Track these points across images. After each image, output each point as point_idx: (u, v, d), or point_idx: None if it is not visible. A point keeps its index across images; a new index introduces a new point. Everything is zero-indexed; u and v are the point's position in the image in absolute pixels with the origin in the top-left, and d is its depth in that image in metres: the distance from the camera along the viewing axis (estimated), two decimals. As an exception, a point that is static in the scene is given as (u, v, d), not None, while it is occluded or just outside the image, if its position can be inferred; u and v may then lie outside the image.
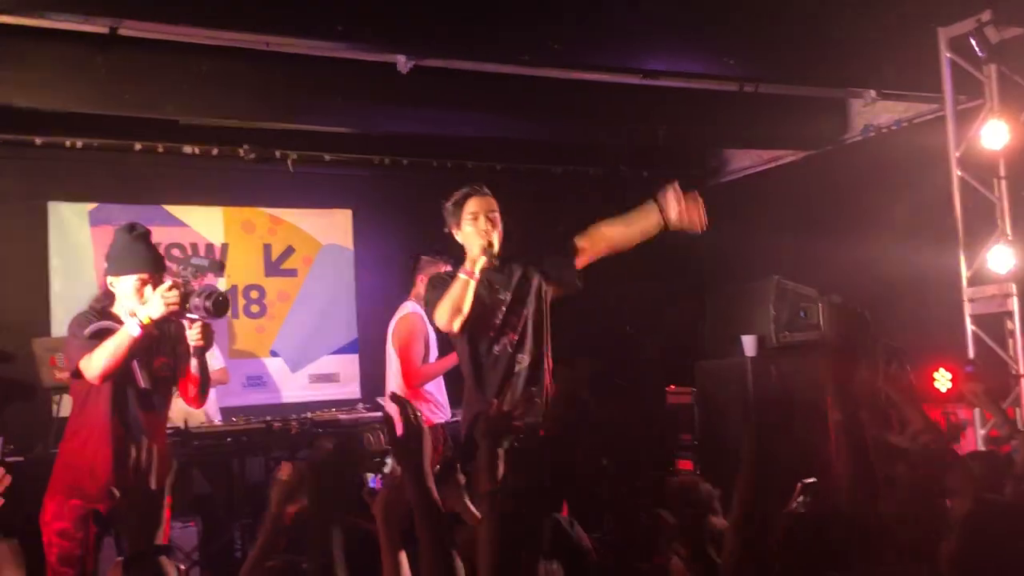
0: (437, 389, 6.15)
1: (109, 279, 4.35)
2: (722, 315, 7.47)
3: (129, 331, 4.06)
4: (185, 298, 4.13)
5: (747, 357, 6.85)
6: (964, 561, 2.07)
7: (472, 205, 4.58)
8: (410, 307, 6.15)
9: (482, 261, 4.41)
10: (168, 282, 4.18)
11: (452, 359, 5.47)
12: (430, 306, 4.56)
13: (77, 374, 4.15)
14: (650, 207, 4.52)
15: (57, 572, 4.19)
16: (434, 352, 6.10)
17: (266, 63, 5.76)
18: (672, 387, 7.46)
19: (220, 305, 4.18)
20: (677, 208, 4.50)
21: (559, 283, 4.60)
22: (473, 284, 4.39)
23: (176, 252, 7.40)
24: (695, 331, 7.70)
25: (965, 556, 2.08)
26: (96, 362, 4.08)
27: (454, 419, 5.84)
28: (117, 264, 4.35)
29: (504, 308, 4.53)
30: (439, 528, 2.33)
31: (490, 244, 4.43)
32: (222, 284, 7.53)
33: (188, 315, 4.18)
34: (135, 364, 4.21)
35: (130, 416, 4.26)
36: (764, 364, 6.82)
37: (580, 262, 4.56)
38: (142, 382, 4.28)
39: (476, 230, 4.51)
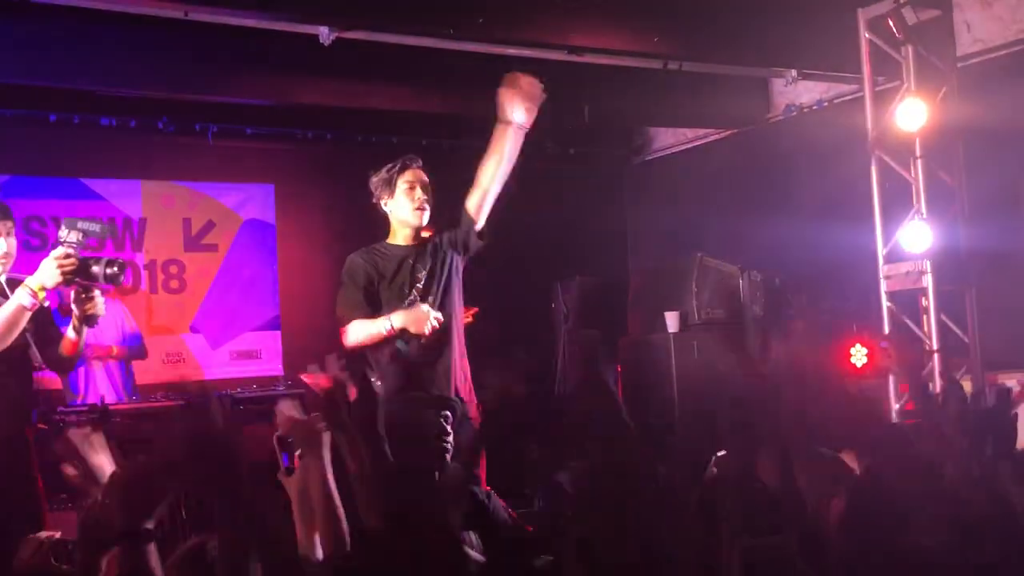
0: None
1: None
2: (647, 292, 7.53)
3: (20, 301, 3.84)
4: (84, 265, 3.93)
5: (670, 333, 6.91)
6: (851, 521, 2.12)
7: (409, 175, 4.62)
8: None
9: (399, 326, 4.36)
10: (62, 249, 3.93)
11: None
12: (340, 300, 4.55)
13: None
14: (498, 127, 4.49)
15: None
16: None
17: (185, 33, 5.64)
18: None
19: (120, 273, 4.02)
20: (512, 108, 4.43)
21: (467, 250, 4.62)
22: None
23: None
24: (620, 307, 7.75)
25: (852, 517, 2.13)
26: None
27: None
28: None
29: (419, 287, 4.54)
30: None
31: (404, 332, 4.37)
32: (141, 259, 7.41)
33: (81, 282, 3.97)
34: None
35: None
36: (686, 340, 6.91)
37: (479, 219, 4.54)
38: (37, 356, 4.11)
39: (411, 200, 4.53)
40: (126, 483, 2.04)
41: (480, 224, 4.55)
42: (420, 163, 4.66)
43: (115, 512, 1.99)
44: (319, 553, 2.35)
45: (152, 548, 2.06)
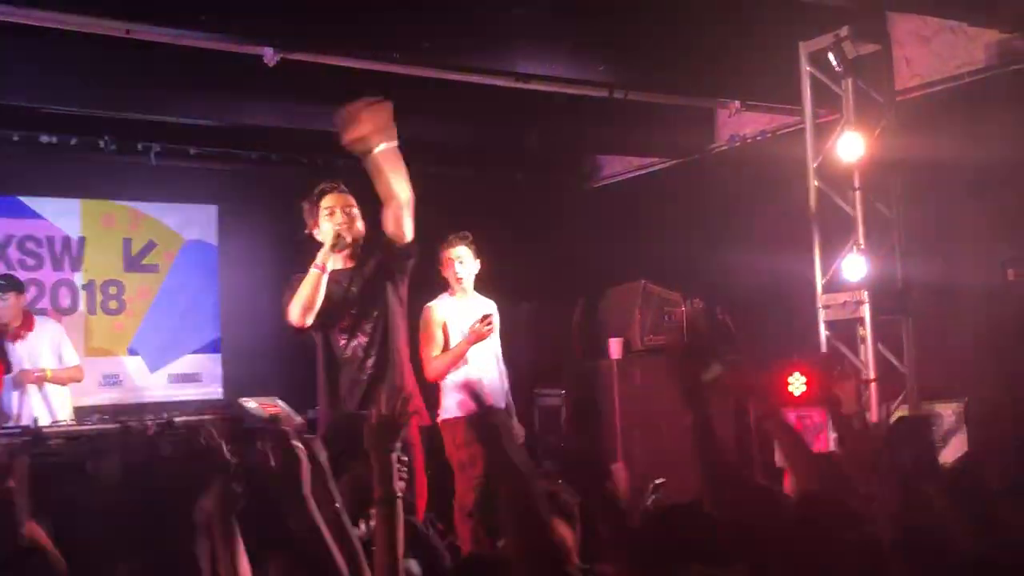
0: None
1: None
2: (592, 318, 7.55)
3: None
4: None
5: (612, 360, 6.94)
6: (792, 550, 2.15)
7: (328, 200, 4.64)
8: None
9: (332, 255, 4.41)
10: None
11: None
12: (284, 304, 4.55)
13: None
14: (366, 163, 4.55)
15: None
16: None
17: (127, 52, 5.59)
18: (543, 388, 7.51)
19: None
20: (367, 142, 4.46)
21: (402, 272, 4.63)
22: (325, 277, 4.39)
23: (31, 245, 7.13)
24: (566, 333, 7.76)
25: (792, 546, 2.16)
26: None
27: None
28: None
29: (356, 307, 4.54)
30: None
31: (338, 236, 4.43)
32: (79, 279, 7.30)
33: None
34: None
35: None
36: (629, 367, 6.94)
37: (403, 235, 4.58)
38: None
39: (332, 224, 4.53)
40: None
41: (408, 237, 4.52)
42: (343, 187, 4.68)
43: None
44: None
45: None
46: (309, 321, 4.48)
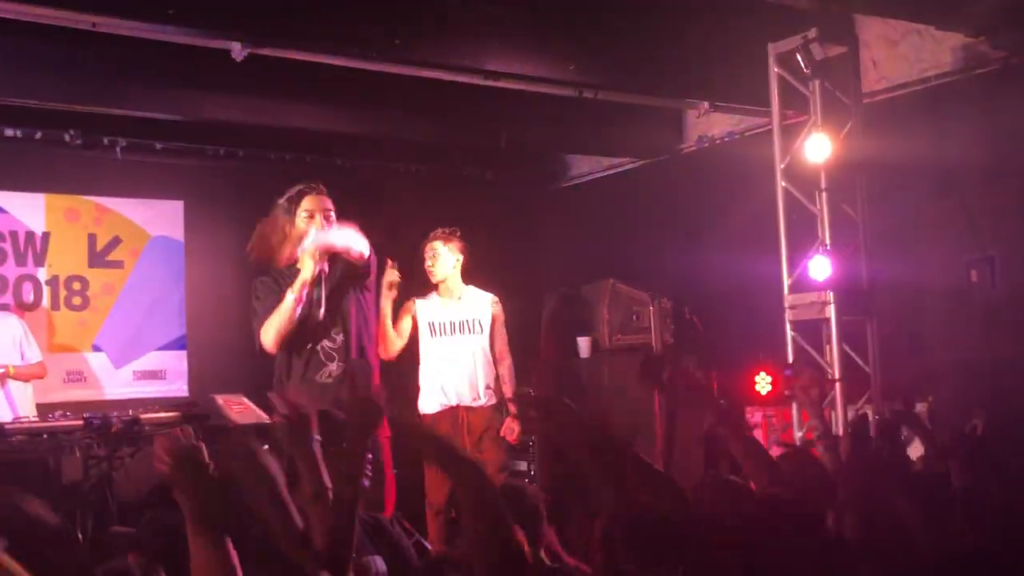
0: None
1: None
2: (560, 317, 7.57)
3: None
4: None
5: (581, 359, 6.96)
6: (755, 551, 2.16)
7: (308, 203, 4.58)
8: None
9: (307, 278, 4.38)
10: None
11: None
12: (255, 316, 4.51)
13: None
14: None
15: None
16: None
17: (94, 45, 5.53)
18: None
19: None
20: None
21: (360, 285, 4.62)
22: (298, 305, 4.36)
23: (-6, 239, 7.05)
24: (535, 332, 7.77)
25: (756, 547, 2.17)
26: None
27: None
28: None
29: (321, 312, 4.52)
30: None
31: (321, 272, 4.40)
32: (43, 274, 7.21)
33: None
34: None
35: None
36: (597, 365, 6.95)
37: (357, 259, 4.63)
38: None
39: (310, 229, 4.49)
40: None
41: (364, 255, 4.55)
42: (321, 188, 4.64)
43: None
44: None
45: None
46: (278, 347, 4.48)
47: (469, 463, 2.32)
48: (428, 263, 6.04)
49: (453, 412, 5.93)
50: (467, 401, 5.96)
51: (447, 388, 5.98)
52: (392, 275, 5.90)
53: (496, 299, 6.16)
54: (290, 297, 4.37)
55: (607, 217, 8.19)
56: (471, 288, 6.16)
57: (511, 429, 5.95)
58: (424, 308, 6.10)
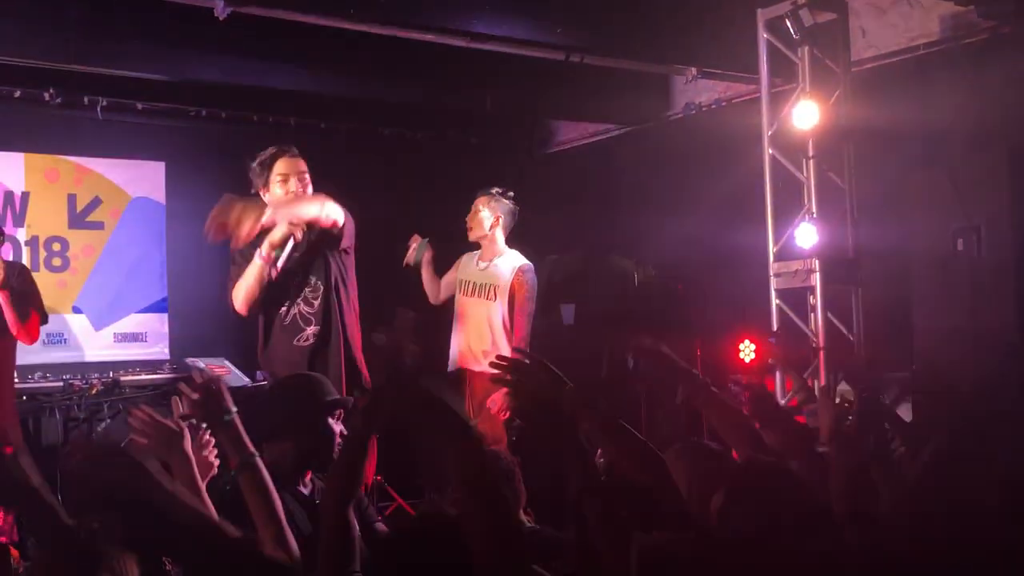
0: None
1: None
2: (544, 283, 7.53)
3: None
4: None
5: (565, 325, 6.95)
6: (729, 513, 2.15)
7: (281, 166, 4.50)
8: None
9: (278, 246, 4.33)
10: None
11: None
12: (229, 280, 4.48)
13: None
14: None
15: None
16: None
17: (76, 2, 5.46)
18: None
19: None
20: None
21: (333, 248, 4.55)
22: (268, 269, 4.31)
23: (-26, 199, 6.97)
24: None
25: (730, 509, 2.16)
26: None
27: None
28: None
29: (297, 277, 4.49)
30: None
31: (294, 239, 4.34)
32: (22, 235, 7.14)
33: None
34: None
35: None
36: (582, 333, 6.94)
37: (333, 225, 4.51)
38: None
39: (284, 191, 4.43)
40: None
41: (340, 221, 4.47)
42: (295, 150, 4.56)
43: None
44: None
45: None
46: (253, 311, 4.44)
47: (460, 427, 2.30)
48: (468, 219, 5.98)
49: (460, 374, 5.89)
50: (471, 364, 5.88)
51: (454, 348, 5.97)
52: (423, 249, 5.91)
53: (524, 267, 5.93)
54: (257, 259, 4.32)
55: (594, 184, 8.16)
56: (511, 253, 6.00)
57: (495, 401, 5.67)
58: (464, 264, 6.11)
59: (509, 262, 5.95)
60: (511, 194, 6.03)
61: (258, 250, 4.33)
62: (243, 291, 4.38)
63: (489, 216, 5.95)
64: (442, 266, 6.24)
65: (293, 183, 4.46)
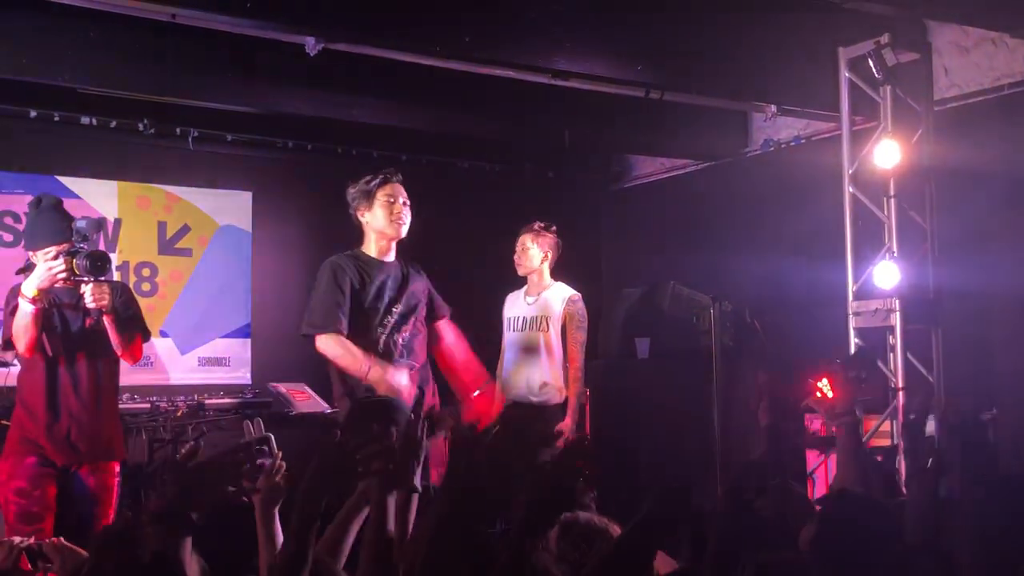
0: None
1: (29, 254, 4.59)
2: (619, 317, 7.57)
3: (23, 307, 4.34)
4: (71, 263, 4.33)
5: (639, 359, 6.96)
6: (822, 543, 2.19)
7: (389, 188, 4.79)
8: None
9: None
10: (51, 250, 4.35)
11: None
12: (318, 307, 4.83)
13: (10, 345, 4.53)
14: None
15: (15, 530, 4.25)
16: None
17: (171, 36, 5.66)
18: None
19: (96, 262, 4.37)
20: None
21: (432, 316, 4.92)
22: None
23: (67, 225, 7.20)
24: (594, 331, 7.78)
25: (823, 539, 2.20)
26: (16, 337, 4.42)
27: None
28: (30, 239, 4.66)
29: (396, 308, 4.68)
30: None
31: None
32: (114, 260, 7.37)
33: (78, 279, 4.38)
34: (43, 334, 4.46)
35: (60, 379, 4.54)
36: (656, 367, 6.95)
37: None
38: (50, 350, 4.52)
39: (391, 212, 4.67)
40: None
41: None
42: (400, 177, 4.80)
43: None
44: None
45: None
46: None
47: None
48: (516, 256, 6.07)
49: (514, 408, 5.89)
50: (524, 398, 5.89)
51: (507, 384, 5.97)
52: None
53: (574, 297, 6.01)
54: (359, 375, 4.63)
55: (669, 219, 8.19)
56: (558, 284, 6.07)
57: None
58: (508, 303, 6.19)
59: (558, 293, 6.04)
60: (554, 228, 6.09)
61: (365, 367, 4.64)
62: (335, 357, 4.71)
63: (538, 252, 6.04)
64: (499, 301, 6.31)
65: (399, 206, 4.71)
